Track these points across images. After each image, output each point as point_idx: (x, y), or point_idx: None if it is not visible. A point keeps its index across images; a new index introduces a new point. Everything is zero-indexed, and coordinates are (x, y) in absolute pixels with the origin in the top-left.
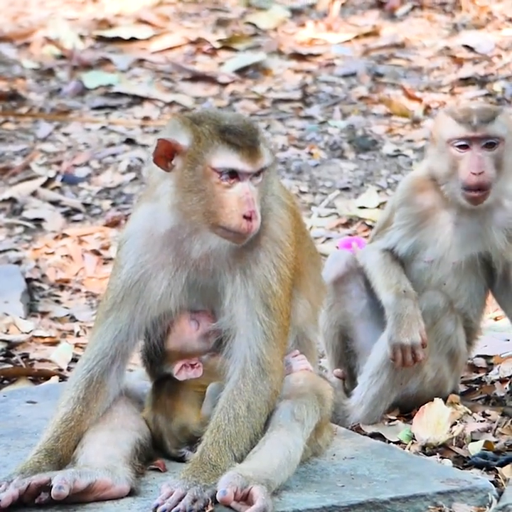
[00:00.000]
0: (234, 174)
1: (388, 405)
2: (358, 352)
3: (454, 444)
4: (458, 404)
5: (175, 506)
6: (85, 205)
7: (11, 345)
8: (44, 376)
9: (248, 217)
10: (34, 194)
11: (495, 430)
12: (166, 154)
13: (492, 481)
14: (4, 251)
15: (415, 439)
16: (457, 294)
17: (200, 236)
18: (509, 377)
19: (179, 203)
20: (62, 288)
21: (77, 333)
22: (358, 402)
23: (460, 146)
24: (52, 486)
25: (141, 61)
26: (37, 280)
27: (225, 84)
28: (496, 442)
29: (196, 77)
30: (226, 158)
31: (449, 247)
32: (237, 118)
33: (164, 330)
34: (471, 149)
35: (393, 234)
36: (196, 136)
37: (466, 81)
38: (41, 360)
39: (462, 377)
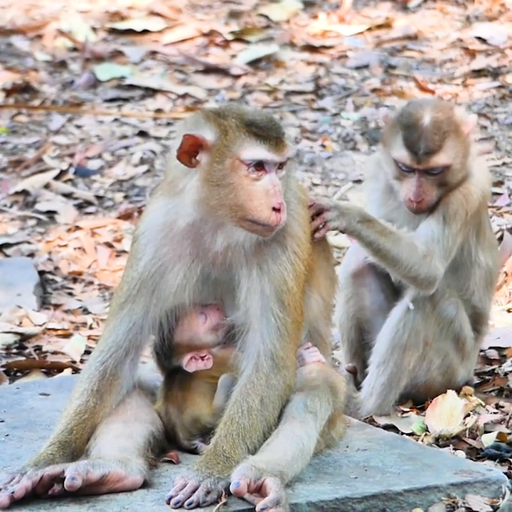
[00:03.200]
0: (261, 167)
1: (398, 394)
2: (373, 344)
3: (467, 435)
4: (471, 395)
5: (188, 498)
6: (98, 197)
7: (24, 337)
8: (57, 368)
9: (277, 209)
10: (47, 186)
11: (508, 422)
12: (190, 150)
13: (505, 473)
14: (17, 243)
15: (428, 431)
16: (449, 274)
17: (224, 230)
18: None
19: (206, 198)
20: (75, 280)
21: (90, 325)
22: (368, 393)
23: (405, 169)
24: (65, 478)
25: (153, 53)
26: (50, 273)
27: (237, 77)
28: (510, 434)
29: (209, 69)
30: (255, 150)
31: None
32: (258, 112)
33: (175, 323)
34: (414, 173)
35: (366, 209)
36: (223, 130)
37: (478, 73)
38: (54, 353)
39: (475, 369)
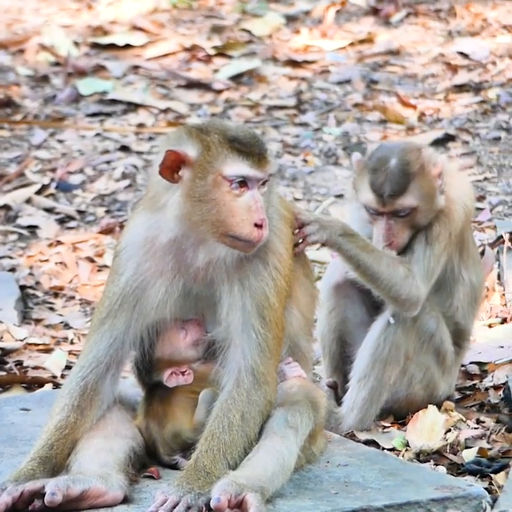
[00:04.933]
0: (243, 183)
1: (379, 409)
2: (355, 358)
3: (448, 450)
4: (452, 411)
5: None
6: (80, 212)
7: (5, 352)
8: (38, 383)
9: (259, 226)
10: (28, 201)
11: (489, 437)
12: (172, 165)
13: (486, 488)
14: None
15: (409, 446)
16: (432, 291)
17: (206, 246)
18: (503, 384)
19: (188, 213)
20: (56, 295)
21: (71, 340)
22: (349, 407)
23: (373, 213)
24: (45, 493)
25: (135, 68)
26: (31, 287)
27: (219, 91)
28: (490, 449)
29: (191, 84)
30: (237, 166)
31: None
32: (241, 128)
33: (156, 338)
34: (383, 216)
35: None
36: (205, 146)
37: (460, 88)
38: (35, 368)
39: (456, 384)
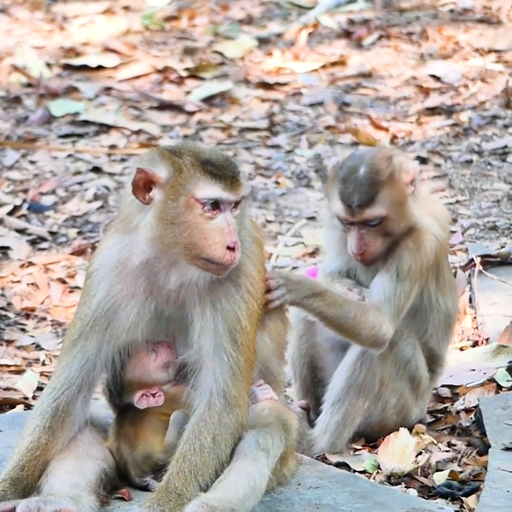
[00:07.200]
0: (216, 205)
1: (352, 433)
2: (326, 382)
3: (419, 473)
4: (423, 433)
5: None
6: (51, 233)
7: None
8: (9, 405)
9: (231, 248)
10: (0, 222)
11: (460, 460)
12: (144, 185)
13: (457, 511)
14: None
15: (380, 469)
16: (408, 318)
17: (178, 268)
18: (474, 407)
19: (160, 236)
20: (27, 316)
21: (43, 361)
22: (322, 430)
23: (344, 222)
24: None
25: (108, 89)
26: (2, 308)
27: (192, 113)
28: (461, 472)
29: (163, 106)
30: (210, 189)
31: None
32: (214, 150)
33: (127, 360)
34: (354, 226)
35: (326, 257)
36: (177, 168)
37: (432, 111)
38: (6, 389)
39: (428, 408)
